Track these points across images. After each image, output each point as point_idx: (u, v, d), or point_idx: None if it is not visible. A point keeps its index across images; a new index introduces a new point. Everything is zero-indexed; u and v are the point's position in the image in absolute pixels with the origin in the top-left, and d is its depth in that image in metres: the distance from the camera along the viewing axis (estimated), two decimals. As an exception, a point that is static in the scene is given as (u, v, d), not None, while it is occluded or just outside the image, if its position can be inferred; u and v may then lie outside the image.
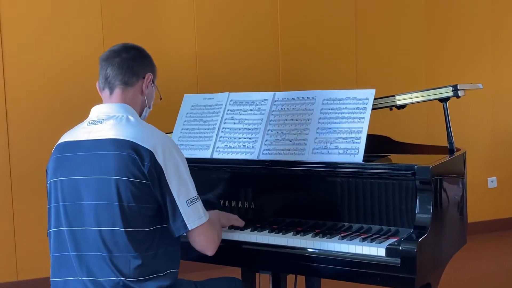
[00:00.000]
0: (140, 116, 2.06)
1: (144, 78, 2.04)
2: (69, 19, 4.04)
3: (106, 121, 1.94)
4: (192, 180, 1.97)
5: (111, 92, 2.00)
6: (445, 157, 2.33)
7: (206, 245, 1.99)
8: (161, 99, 2.18)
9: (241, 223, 2.33)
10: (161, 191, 1.89)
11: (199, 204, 1.96)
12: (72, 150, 1.96)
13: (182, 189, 1.91)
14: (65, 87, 4.04)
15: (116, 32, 4.03)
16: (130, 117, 1.96)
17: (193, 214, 1.93)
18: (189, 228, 1.92)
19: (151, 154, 1.86)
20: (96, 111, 2.00)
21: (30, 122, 3.99)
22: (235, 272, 2.53)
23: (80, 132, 1.97)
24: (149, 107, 2.12)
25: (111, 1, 4.13)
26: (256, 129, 2.46)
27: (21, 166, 3.96)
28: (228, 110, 2.57)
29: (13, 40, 3.94)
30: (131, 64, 2.00)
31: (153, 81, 2.09)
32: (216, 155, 2.50)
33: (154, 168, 1.86)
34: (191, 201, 1.93)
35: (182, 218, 1.91)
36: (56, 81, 4.03)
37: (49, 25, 4.01)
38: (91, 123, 1.97)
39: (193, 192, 1.95)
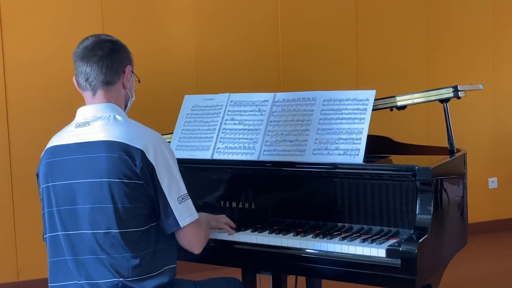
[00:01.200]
0: (125, 108, 2.05)
1: (124, 72, 2.01)
2: (70, 19, 4.04)
3: (93, 122, 1.92)
4: (181, 177, 1.96)
5: (93, 94, 1.97)
6: (446, 158, 2.32)
7: (193, 243, 1.99)
8: (139, 82, 2.13)
9: (231, 230, 2.29)
10: (155, 188, 1.89)
11: (189, 202, 1.96)
12: (62, 154, 1.94)
13: (173, 186, 1.91)
14: (65, 88, 4.01)
15: (116, 31, 3.98)
16: (118, 117, 1.94)
17: (184, 212, 1.92)
18: (181, 225, 1.92)
19: (142, 153, 1.86)
20: (82, 113, 1.97)
21: (30, 123, 3.99)
22: (236, 273, 2.52)
23: (68, 135, 1.95)
24: (132, 97, 2.09)
25: (112, 1, 4.13)
26: (257, 130, 2.46)
27: (21, 166, 3.96)
28: (228, 111, 2.57)
29: (13, 40, 3.95)
30: (109, 63, 1.95)
31: (132, 72, 2.05)
32: (217, 156, 2.50)
33: (146, 167, 1.86)
34: (182, 198, 1.92)
35: (174, 215, 1.90)
36: (57, 81, 4.03)
37: (49, 25, 4.02)
38: (79, 125, 1.95)
39: (184, 190, 1.95)
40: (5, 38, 3.93)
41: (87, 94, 1.99)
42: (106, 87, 1.96)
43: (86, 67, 1.95)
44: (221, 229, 2.30)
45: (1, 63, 3.92)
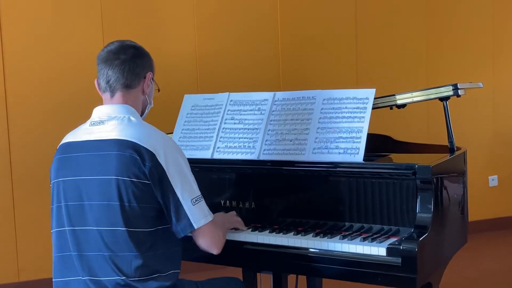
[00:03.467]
0: (142, 114, 2.08)
1: (145, 78, 2.05)
2: (69, 18, 4.04)
3: (107, 121, 1.95)
4: (194, 179, 1.97)
5: (112, 95, 2.01)
6: (446, 156, 2.33)
7: (211, 243, 1.99)
8: (159, 91, 2.17)
9: (243, 226, 2.31)
10: (163, 192, 1.89)
11: (203, 203, 1.97)
12: (74, 151, 1.96)
13: (186, 188, 1.92)
14: (65, 87, 4.04)
15: (116, 31, 4.03)
16: (132, 118, 1.96)
17: (198, 213, 1.93)
18: (195, 227, 1.92)
19: (152, 155, 1.87)
20: (98, 112, 2.01)
21: (30, 122, 3.99)
22: (236, 272, 2.53)
23: (82, 133, 1.98)
24: (150, 104, 2.12)
25: (111, 1, 4.13)
26: (257, 129, 2.46)
27: (22, 166, 3.97)
28: (228, 110, 2.57)
29: (13, 40, 3.95)
30: (131, 67, 1.99)
31: (152, 79, 2.10)
32: (217, 155, 2.50)
33: (156, 169, 1.87)
34: (195, 200, 1.93)
35: (188, 217, 1.91)
36: (57, 81, 4.03)
37: (49, 25, 4.02)
38: (93, 123, 1.98)
39: (197, 191, 1.96)
40: (4, 38, 3.93)
41: (106, 96, 2.02)
42: (125, 90, 2.00)
43: (109, 70, 1.99)
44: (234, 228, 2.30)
45: (1, 63, 3.92)
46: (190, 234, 1.97)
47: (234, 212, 2.37)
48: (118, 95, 2.00)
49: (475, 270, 4.17)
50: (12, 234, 3.98)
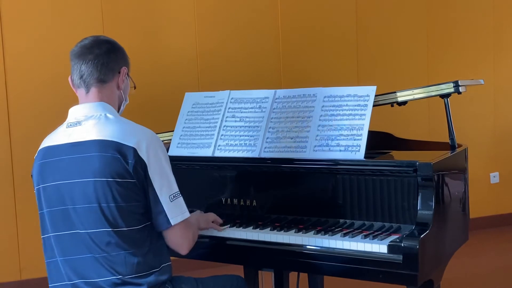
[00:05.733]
0: (118, 110, 2.05)
1: (119, 72, 2.01)
2: (70, 18, 4.04)
3: (84, 122, 1.92)
4: (173, 175, 1.95)
5: (87, 91, 1.97)
6: (447, 153, 2.32)
7: (182, 243, 1.97)
8: (135, 88, 2.14)
9: (219, 228, 2.31)
10: (147, 186, 1.88)
11: (181, 200, 1.95)
12: (54, 155, 1.93)
13: (165, 184, 1.90)
14: (66, 87, 4.00)
15: (116, 30, 4.03)
16: (109, 115, 1.93)
17: (175, 209, 1.91)
18: (172, 224, 1.90)
19: (134, 151, 1.85)
20: (74, 113, 1.97)
21: (32, 122, 3.99)
22: (238, 270, 2.53)
23: (60, 136, 1.95)
24: (126, 100, 2.09)
25: None
26: (257, 126, 2.46)
27: (23, 165, 3.96)
28: (229, 108, 2.57)
29: (14, 40, 3.94)
30: (105, 61, 1.96)
31: (127, 74, 2.06)
32: (218, 153, 2.50)
33: (139, 165, 1.85)
34: (173, 196, 1.91)
35: (165, 213, 1.89)
36: (57, 80, 4.02)
37: (49, 24, 4.01)
38: (70, 125, 1.95)
39: (175, 188, 1.94)
40: (5, 38, 3.92)
41: (80, 92, 2.00)
42: (100, 84, 1.97)
43: (82, 65, 1.96)
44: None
45: (2, 63, 3.92)
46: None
47: (211, 214, 2.34)
48: (93, 90, 1.96)
49: (477, 267, 4.17)
50: (14, 233, 3.99)
